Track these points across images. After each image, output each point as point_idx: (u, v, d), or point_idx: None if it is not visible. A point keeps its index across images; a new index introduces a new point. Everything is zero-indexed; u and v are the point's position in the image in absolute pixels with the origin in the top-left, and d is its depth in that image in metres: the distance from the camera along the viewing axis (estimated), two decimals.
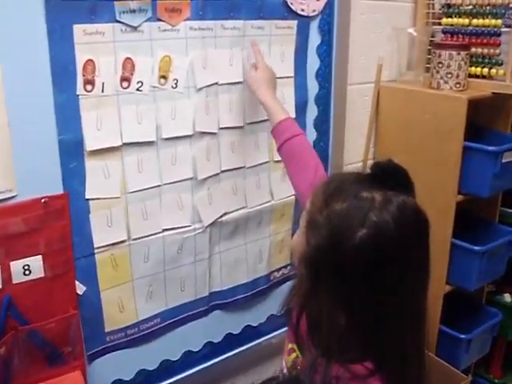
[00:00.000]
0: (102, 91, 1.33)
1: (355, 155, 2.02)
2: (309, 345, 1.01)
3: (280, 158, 1.62)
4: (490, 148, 1.79)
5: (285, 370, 1.21)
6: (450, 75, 1.82)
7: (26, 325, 1.35)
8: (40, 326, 1.37)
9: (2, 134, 1.22)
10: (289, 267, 1.90)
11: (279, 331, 1.93)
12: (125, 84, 1.36)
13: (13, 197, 1.28)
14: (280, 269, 1.88)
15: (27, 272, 1.33)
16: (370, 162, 2.06)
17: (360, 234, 0.88)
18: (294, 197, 1.81)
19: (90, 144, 1.34)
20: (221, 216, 1.64)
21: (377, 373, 0.93)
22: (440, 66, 1.83)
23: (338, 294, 0.92)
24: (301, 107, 1.74)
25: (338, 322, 0.92)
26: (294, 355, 1.17)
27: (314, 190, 1.00)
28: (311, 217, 0.96)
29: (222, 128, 1.57)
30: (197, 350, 1.75)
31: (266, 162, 1.71)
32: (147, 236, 1.51)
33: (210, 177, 1.58)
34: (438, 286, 1.98)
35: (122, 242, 1.47)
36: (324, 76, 1.77)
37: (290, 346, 1.19)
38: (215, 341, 1.78)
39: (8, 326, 1.33)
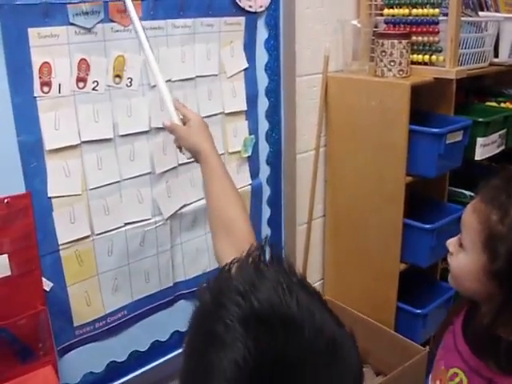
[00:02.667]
0: (59, 92, 1.38)
1: (307, 144, 2.10)
2: (480, 366, 1.11)
3: (236, 149, 1.71)
4: (434, 130, 1.89)
5: None
6: (393, 63, 1.92)
7: None
8: (9, 323, 1.41)
9: None
10: None
11: None
12: (81, 84, 1.41)
13: None
14: None
15: None
16: (322, 150, 2.15)
17: None
18: (250, 187, 1.89)
19: (50, 143, 1.39)
20: (180, 208, 1.71)
21: None
22: (383, 54, 1.93)
23: None
24: (252, 100, 1.82)
25: None
26: (457, 379, 1.19)
27: (475, 208, 1.10)
28: (490, 231, 1.05)
29: None
30: (164, 339, 1.81)
31: (221, 154, 1.77)
32: (110, 231, 1.56)
33: (168, 170, 1.65)
34: (393, 265, 2.08)
35: (86, 237, 1.53)
36: (273, 69, 1.84)
37: (452, 371, 1.21)
38: (182, 330, 1.84)
39: None
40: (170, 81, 1.58)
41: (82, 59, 1.40)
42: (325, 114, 2.11)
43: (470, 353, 1.16)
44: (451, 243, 1.19)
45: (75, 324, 1.57)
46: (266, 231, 2.02)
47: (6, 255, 1.38)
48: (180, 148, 1.41)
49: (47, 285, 1.49)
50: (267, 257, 0.76)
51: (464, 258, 1.13)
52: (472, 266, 1.11)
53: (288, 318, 0.67)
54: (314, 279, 2.37)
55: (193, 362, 0.73)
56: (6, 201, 1.35)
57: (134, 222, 1.60)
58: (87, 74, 1.42)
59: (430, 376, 1.32)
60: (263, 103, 1.86)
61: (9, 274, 1.39)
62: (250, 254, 0.76)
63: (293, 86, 1.93)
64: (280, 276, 0.71)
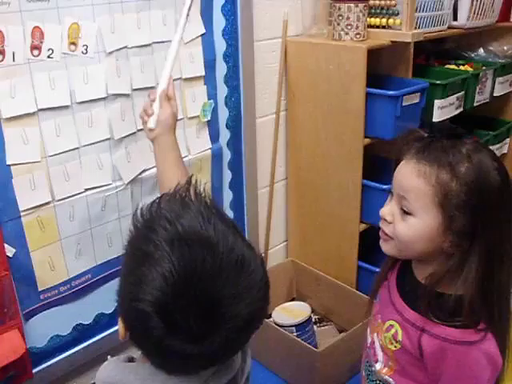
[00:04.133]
0: (13, 60, 1.40)
1: (267, 108, 2.15)
2: (413, 317, 1.20)
3: (195, 114, 1.76)
4: (390, 92, 1.95)
5: (378, 348, 1.33)
6: (349, 27, 1.97)
7: None
8: None
9: None
10: None
11: None
12: (35, 52, 1.43)
13: None
14: None
15: None
16: (282, 114, 2.20)
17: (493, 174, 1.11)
18: (210, 151, 1.94)
19: (6, 112, 1.42)
20: (140, 173, 1.75)
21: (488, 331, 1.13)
22: (340, 18, 1.97)
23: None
24: (210, 65, 1.85)
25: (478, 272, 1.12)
26: (392, 330, 1.26)
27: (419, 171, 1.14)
28: (444, 190, 1.11)
29: (136, 89, 1.67)
30: None
31: (180, 119, 1.81)
32: (70, 196, 1.61)
33: (127, 136, 1.69)
34: (354, 225, 2.16)
35: (47, 203, 1.57)
36: (230, 34, 1.87)
37: (388, 323, 1.27)
38: None
39: None
40: (126, 47, 1.61)
41: (35, 27, 1.42)
42: (285, 78, 2.15)
43: (404, 304, 1.24)
44: (387, 212, 1.22)
45: (40, 288, 1.62)
46: (228, 195, 2.09)
47: None
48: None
49: (10, 251, 1.53)
50: (192, 193, 0.92)
51: (416, 223, 1.16)
52: (426, 228, 1.15)
53: (205, 239, 0.84)
54: (278, 241, 2.45)
55: (128, 278, 0.88)
56: None
57: (94, 188, 1.65)
58: (41, 42, 1.44)
59: (368, 330, 1.40)
60: (221, 68, 1.90)
61: None
62: (177, 190, 0.92)
63: (251, 51, 1.96)
64: (201, 207, 0.88)
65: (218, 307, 0.83)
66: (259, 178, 2.19)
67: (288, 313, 2.18)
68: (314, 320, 2.29)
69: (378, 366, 1.33)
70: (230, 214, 2.11)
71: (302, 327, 2.10)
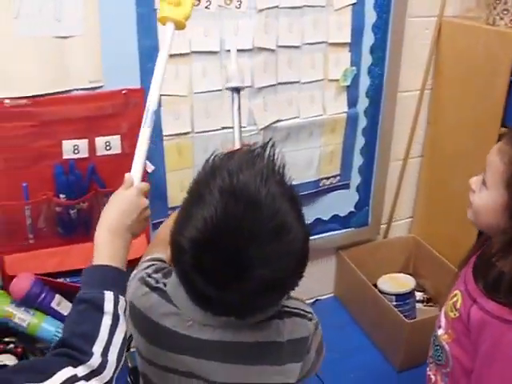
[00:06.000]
0: None
1: (411, 84, 2.28)
2: (472, 287, 1.31)
3: (335, 78, 1.96)
4: None
5: (442, 314, 1.44)
6: (506, 12, 2.01)
7: (104, 188, 1.82)
8: (114, 190, 1.83)
9: (94, 39, 1.66)
10: (338, 177, 2.25)
11: (323, 235, 2.32)
12: (195, 2, 1.73)
13: (100, 87, 1.73)
14: (329, 178, 2.23)
15: (108, 147, 1.79)
16: (426, 92, 2.32)
17: None
18: (345, 114, 2.14)
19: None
20: (274, 122, 2.01)
21: None
22: (497, 2, 2.02)
23: None
24: (357, 33, 2.04)
25: None
26: (455, 298, 1.37)
27: (500, 149, 1.26)
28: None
29: (280, 46, 1.91)
30: None
31: (320, 80, 2.04)
32: (208, 131, 1.91)
33: (267, 87, 1.94)
34: None
35: (187, 133, 1.89)
36: (382, 7, 2.03)
37: (454, 292, 1.39)
38: None
39: (91, 187, 1.80)
40: (277, 7, 1.85)
41: None
42: (434, 57, 2.26)
43: (471, 276, 1.37)
44: (474, 181, 1.35)
45: (169, 205, 1.97)
46: (358, 159, 2.27)
47: (118, 136, 1.79)
48: None
49: (149, 167, 1.88)
50: (265, 154, 0.98)
51: (486, 196, 1.29)
52: (492, 203, 1.27)
53: (253, 199, 0.90)
54: (403, 216, 2.59)
55: (181, 212, 1.00)
56: (123, 92, 1.75)
57: (230, 127, 1.92)
58: None
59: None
60: (369, 38, 2.08)
61: (119, 152, 1.81)
62: (253, 149, 1.00)
63: (401, 25, 2.10)
64: (265, 169, 0.94)
65: (243, 265, 0.89)
66: (392, 150, 2.34)
67: (393, 282, 2.35)
68: (422, 298, 2.44)
69: (439, 332, 1.46)
70: (356, 178, 2.32)
71: (402, 298, 2.25)
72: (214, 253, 0.90)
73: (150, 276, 1.12)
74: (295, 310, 1.12)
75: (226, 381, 1.08)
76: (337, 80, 2.07)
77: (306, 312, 1.15)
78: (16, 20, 1.56)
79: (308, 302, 2.45)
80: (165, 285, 1.10)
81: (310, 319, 1.15)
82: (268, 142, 1.00)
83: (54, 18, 1.59)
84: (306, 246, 0.96)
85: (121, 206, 1.17)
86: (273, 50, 1.91)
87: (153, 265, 1.18)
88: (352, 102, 2.15)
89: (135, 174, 1.29)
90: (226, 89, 1.64)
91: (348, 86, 2.10)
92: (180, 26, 1.39)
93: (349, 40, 2.03)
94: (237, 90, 1.61)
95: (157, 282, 1.11)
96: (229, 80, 1.63)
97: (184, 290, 1.01)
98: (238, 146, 1.62)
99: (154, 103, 1.34)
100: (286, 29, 1.90)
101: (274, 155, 0.99)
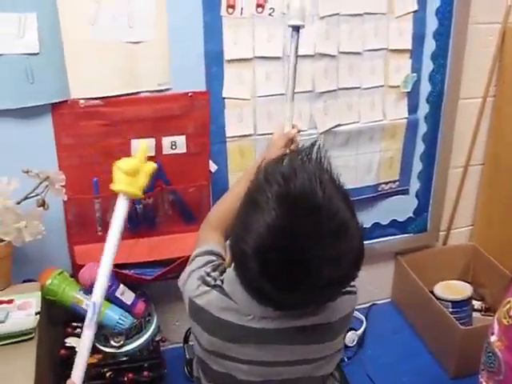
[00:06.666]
0: (241, 14, 1.82)
1: (473, 91, 2.31)
2: None
3: (395, 84, 2.04)
4: None
5: (495, 321, 1.45)
6: None
7: (169, 186, 1.94)
8: (179, 188, 1.96)
9: (163, 44, 1.78)
10: (397, 183, 2.30)
11: (381, 239, 2.38)
12: (259, 9, 1.83)
13: (168, 89, 1.85)
14: (388, 182, 2.29)
15: (174, 147, 1.91)
16: (489, 100, 2.34)
17: None
18: (406, 120, 2.19)
19: (229, 54, 1.86)
20: (334, 126, 2.08)
21: None
22: None
23: None
24: (418, 40, 2.09)
25: None
26: (508, 306, 1.39)
27: None
28: None
29: (342, 52, 1.99)
30: None
31: (380, 86, 2.10)
32: (270, 134, 1.98)
33: (328, 92, 2.02)
34: None
35: (249, 135, 1.99)
36: (444, 13, 2.07)
37: (508, 299, 1.41)
38: None
39: (156, 185, 1.92)
40: (338, 14, 1.93)
41: None
42: (498, 65, 2.28)
43: None
44: None
45: None
46: (417, 165, 2.32)
47: (184, 136, 1.91)
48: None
49: (213, 167, 1.99)
50: (313, 155, 1.02)
51: None
52: None
53: (311, 201, 0.94)
54: (463, 223, 2.61)
55: (239, 219, 1.05)
56: (190, 94, 1.87)
57: None
58: (266, 1, 1.83)
59: None
60: (430, 45, 2.12)
61: (184, 151, 1.93)
62: (299, 151, 1.04)
63: (464, 32, 2.13)
64: (317, 171, 0.98)
65: (310, 267, 0.93)
66: (452, 157, 2.37)
67: (450, 289, 2.37)
68: (480, 307, 2.45)
69: (492, 339, 1.47)
70: (416, 184, 2.36)
71: (459, 305, 2.28)
72: (280, 258, 0.93)
73: (208, 275, 1.18)
74: (346, 289, 1.14)
75: (285, 359, 1.14)
76: (397, 86, 2.13)
77: (352, 286, 1.19)
78: (93, 26, 1.70)
79: (365, 305, 2.52)
80: (222, 282, 1.16)
81: (355, 292, 1.20)
82: (314, 143, 1.04)
83: (126, 25, 1.73)
84: (363, 239, 1.00)
85: None
86: (334, 56, 1.98)
87: (210, 262, 1.23)
88: (412, 108, 2.20)
89: None
90: (288, 26, 1.62)
91: (409, 92, 2.15)
92: (134, 196, 1.37)
93: (410, 47, 2.08)
94: (297, 28, 1.60)
95: (215, 280, 1.16)
96: (290, 17, 1.62)
97: (244, 289, 1.06)
98: (288, 109, 1.66)
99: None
100: (346, 35, 1.97)
101: (321, 156, 1.02)
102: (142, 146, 1.35)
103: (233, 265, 1.10)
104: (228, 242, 1.17)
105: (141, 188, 1.32)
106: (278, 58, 1.92)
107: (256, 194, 1.00)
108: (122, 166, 1.18)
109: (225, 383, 1.20)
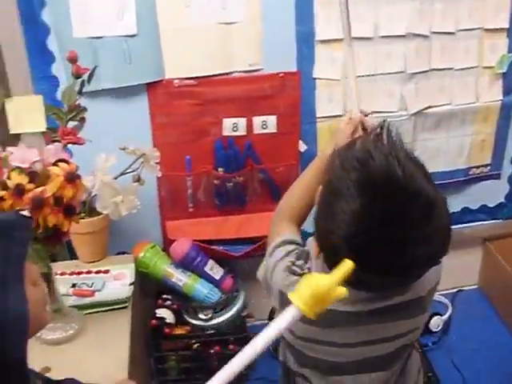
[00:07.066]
0: None
1: None
2: None
3: (489, 65, 2.00)
4: None
5: None
6: None
7: (259, 164, 1.99)
8: (269, 167, 2.00)
9: (255, 24, 1.83)
10: (488, 167, 2.26)
11: (470, 224, 2.35)
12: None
13: (259, 69, 1.90)
14: (479, 166, 2.25)
15: (264, 126, 1.95)
16: None
17: None
18: (500, 103, 2.14)
19: (321, 35, 1.88)
20: (425, 108, 2.06)
21: None
22: None
23: None
24: None
25: None
26: None
27: None
28: None
29: (434, 32, 1.97)
30: None
31: (474, 67, 2.06)
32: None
33: (419, 73, 2.01)
34: None
35: (339, 115, 2.00)
36: None
37: None
38: None
39: (247, 163, 1.98)
40: None
41: None
42: None
43: None
44: None
45: None
46: (511, 150, 2.26)
47: (275, 116, 1.95)
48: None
49: (302, 147, 2.02)
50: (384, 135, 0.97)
51: None
52: None
53: (394, 182, 0.90)
54: None
55: (322, 209, 1.02)
56: (280, 75, 1.90)
57: (380, 112, 2.01)
58: None
59: None
60: None
61: (275, 131, 1.97)
62: (371, 132, 1.00)
63: None
64: (392, 149, 0.93)
65: (402, 247, 0.91)
66: None
67: None
68: None
69: None
70: (508, 169, 2.31)
71: None
72: (371, 244, 0.91)
73: (294, 264, 1.17)
74: None
75: (380, 337, 1.15)
76: (492, 67, 2.08)
77: None
78: (187, 9, 1.77)
79: (451, 291, 2.50)
80: (309, 269, 1.14)
81: (441, 261, 1.15)
82: (382, 123, 1.01)
83: (220, 7, 1.79)
84: (448, 211, 0.96)
85: None
86: (426, 36, 1.96)
87: (291, 251, 1.22)
88: (507, 90, 2.14)
89: None
90: None
91: (504, 73, 2.10)
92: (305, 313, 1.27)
93: (507, 25, 2.03)
94: None
95: (302, 268, 1.16)
96: None
97: None
98: (352, 75, 1.59)
99: None
100: (440, 15, 1.95)
101: (392, 134, 0.98)
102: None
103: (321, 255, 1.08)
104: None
105: (317, 313, 1.23)
106: (368, 39, 1.92)
107: (335, 182, 0.97)
108: (313, 283, 1.04)
109: (317, 367, 1.22)
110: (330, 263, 1.01)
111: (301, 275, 1.13)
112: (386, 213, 0.90)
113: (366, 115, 1.52)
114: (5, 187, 1.21)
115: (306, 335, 1.17)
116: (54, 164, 1.28)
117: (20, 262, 0.78)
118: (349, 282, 0.99)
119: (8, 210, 1.22)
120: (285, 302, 1.16)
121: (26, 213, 0.82)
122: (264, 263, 1.26)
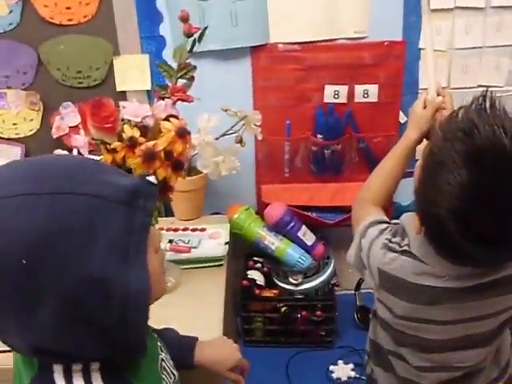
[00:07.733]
0: None
1: None
2: None
3: None
4: None
5: None
6: None
7: (358, 133, 2.00)
8: (367, 136, 2.01)
9: None
10: None
11: None
12: None
13: (364, 37, 1.90)
14: None
15: (365, 95, 1.96)
16: None
17: None
18: None
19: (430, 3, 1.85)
20: None
21: None
22: None
23: None
24: None
25: None
26: None
27: None
28: None
29: None
30: None
31: None
32: (464, 88, 1.98)
33: None
34: None
35: (442, 88, 1.97)
36: None
37: None
38: None
39: (346, 131, 1.99)
40: None
41: None
42: None
43: None
44: None
45: None
46: None
47: (376, 85, 1.95)
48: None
49: (403, 118, 2.01)
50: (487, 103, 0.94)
51: None
52: None
53: (500, 150, 0.89)
54: None
55: (424, 182, 1.00)
56: (385, 43, 1.90)
57: (486, 86, 1.96)
58: None
59: None
60: None
61: (376, 100, 1.97)
62: (473, 102, 0.96)
63: None
64: (497, 119, 0.90)
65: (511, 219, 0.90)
66: None
67: None
68: None
69: None
70: None
71: None
72: (478, 215, 0.90)
73: (391, 241, 1.17)
74: None
75: (481, 314, 1.14)
76: None
77: None
78: None
79: None
80: (408, 246, 1.14)
81: None
82: (484, 93, 0.97)
83: None
84: None
85: None
86: None
87: (385, 229, 1.22)
88: None
89: None
90: None
91: None
92: None
93: None
94: None
95: (400, 245, 1.16)
96: None
97: (436, 252, 1.05)
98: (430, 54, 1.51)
99: None
100: None
101: (495, 104, 0.94)
102: None
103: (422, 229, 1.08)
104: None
105: None
106: (479, 9, 1.88)
107: (438, 154, 0.96)
108: None
109: (417, 345, 1.22)
110: (434, 237, 1.03)
111: (401, 252, 1.14)
112: (494, 184, 0.89)
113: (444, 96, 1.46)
114: (120, 139, 1.29)
115: (406, 314, 1.17)
116: (165, 119, 1.34)
117: (143, 232, 0.76)
118: (455, 256, 1.02)
119: (120, 162, 1.30)
120: (385, 281, 1.18)
121: (151, 179, 0.80)
122: (354, 246, 1.27)
